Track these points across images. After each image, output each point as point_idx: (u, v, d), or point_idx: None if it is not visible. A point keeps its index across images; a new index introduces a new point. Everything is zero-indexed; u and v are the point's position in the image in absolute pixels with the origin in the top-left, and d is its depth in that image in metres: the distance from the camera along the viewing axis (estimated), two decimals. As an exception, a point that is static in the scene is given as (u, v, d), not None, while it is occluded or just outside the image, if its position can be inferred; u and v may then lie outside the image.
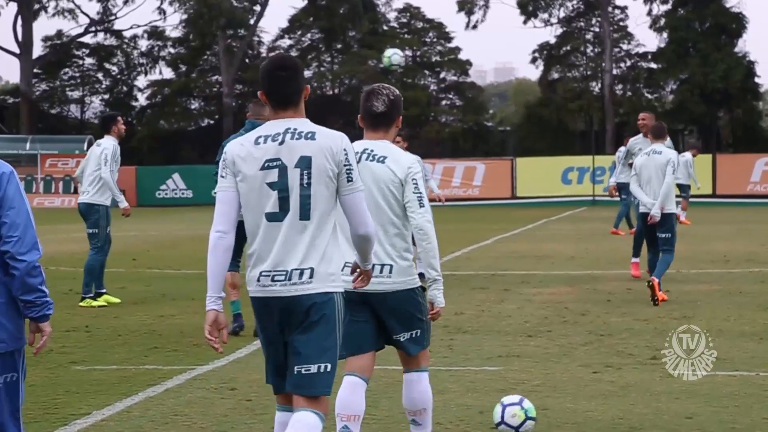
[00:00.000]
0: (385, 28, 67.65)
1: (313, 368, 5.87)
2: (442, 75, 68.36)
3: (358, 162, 6.47)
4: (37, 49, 66.81)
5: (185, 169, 57.29)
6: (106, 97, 69.68)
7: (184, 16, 65.76)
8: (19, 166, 55.29)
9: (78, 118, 70.39)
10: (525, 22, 64.91)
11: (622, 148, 29.33)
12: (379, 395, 9.07)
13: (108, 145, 15.23)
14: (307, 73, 67.66)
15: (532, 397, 8.91)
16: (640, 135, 17.20)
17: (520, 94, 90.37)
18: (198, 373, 10.10)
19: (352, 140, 6.26)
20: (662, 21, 63.31)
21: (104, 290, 15.55)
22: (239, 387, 9.43)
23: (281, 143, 5.88)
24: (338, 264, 5.97)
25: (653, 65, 64.74)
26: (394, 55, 12.77)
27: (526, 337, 12.12)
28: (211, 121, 68.51)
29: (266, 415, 8.36)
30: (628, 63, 66.02)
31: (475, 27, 65.67)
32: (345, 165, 5.91)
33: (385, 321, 6.98)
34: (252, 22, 66.63)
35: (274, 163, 5.86)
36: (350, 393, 6.93)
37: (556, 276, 18.54)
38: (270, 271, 5.86)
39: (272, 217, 5.86)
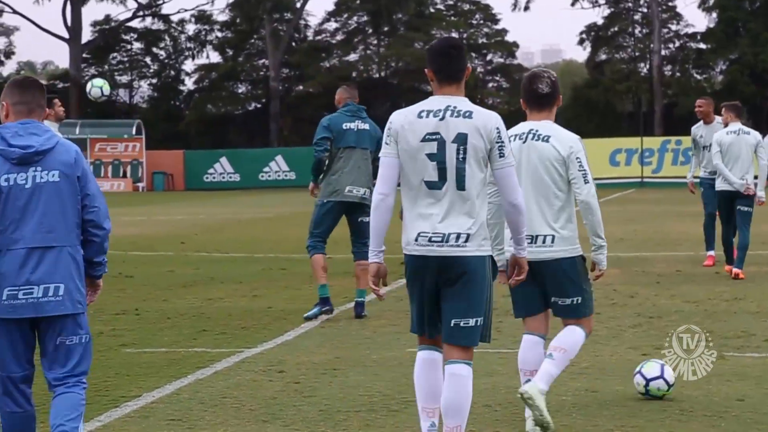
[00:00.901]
0: (431, 10, 67.54)
1: (470, 322, 6.45)
2: (488, 57, 68.20)
3: (524, 142, 7.47)
4: (86, 34, 67.36)
5: (232, 153, 57.49)
6: (154, 81, 70.04)
7: (231, 0, 65.92)
8: (68, 150, 55.58)
9: (127, 102, 70.77)
10: (572, 4, 64.67)
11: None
12: (428, 378, 9.05)
13: None
14: (353, 57, 67.74)
15: (581, 380, 8.89)
16: (700, 122, 16.87)
17: (568, 76, 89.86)
18: (246, 356, 10.12)
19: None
20: (711, 1, 62.79)
21: None
22: (287, 369, 9.44)
23: (441, 119, 6.40)
24: (487, 231, 6.54)
25: (702, 45, 64.28)
26: (98, 87, 12.96)
27: (574, 319, 12.07)
28: (258, 105, 68.71)
29: (314, 397, 8.38)
30: (677, 43, 65.60)
31: (527, 9, 65.43)
32: (497, 142, 6.41)
33: (546, 287, 7.52)
34: (298, 5, 66.74)
35: (434, 137, 6.38)
36: (528, 350, 7.59)
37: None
38: (428, 233, 6.39)
39: (432, 185, 6.38)
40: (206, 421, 7.69)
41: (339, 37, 68.34)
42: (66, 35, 65.83)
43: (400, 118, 6.47)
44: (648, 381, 8.21)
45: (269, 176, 55.73)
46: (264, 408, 8.07)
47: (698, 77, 64.63)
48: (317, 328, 11.71)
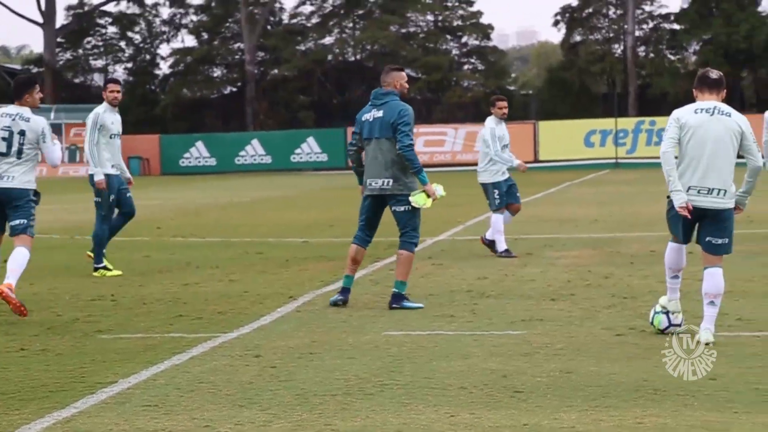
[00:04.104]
0: (406, -8, 67.31)
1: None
2: (464, 39, 68.10)
3: (711, 114, 9.67)
4: (60, 19, 66.98)
5: (208, 137, 57.34)
6: (129, 65, 69.75)
7: (206, -16, 65.71)
8: (43, 135, 55.35)
9: (101, 86, 70.49)
10: (547, -15, 64.60)
11: None
12: (403, 361, 9.07)
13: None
14: (328, 40, 67.59)
15: (555, 361, 8.92)
16: None
17: (542, 58, 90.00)
18: (223, 341, 10.10)
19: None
20: (685, -19, 62.88)
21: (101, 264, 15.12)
22: (264, 354, 9.43)
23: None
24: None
25: (676, 26, 64.39)
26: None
27: (549, 300, 12.09)
28: (234, 89, 68.52)
29: (291, 381, 8.37)
30: (651, 24, 65.68)
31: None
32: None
33: (706, 228, 9.73)
34: (273, -12, 66.43)
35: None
36: (676, 253, 10.03)
37: (579, 239, 18.49)
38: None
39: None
40: (183, 407, 7.68)
41: (314, 20, 68.16)
42: (40, 20, 65.46)
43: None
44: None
45: (245, 160, 55.65)
46: (240, 393, 8.06)
47: (672, 58, 64.73)
48: (293, 312, 11.70)
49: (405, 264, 11.80)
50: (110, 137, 14.95)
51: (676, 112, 9.86)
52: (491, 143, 16.38)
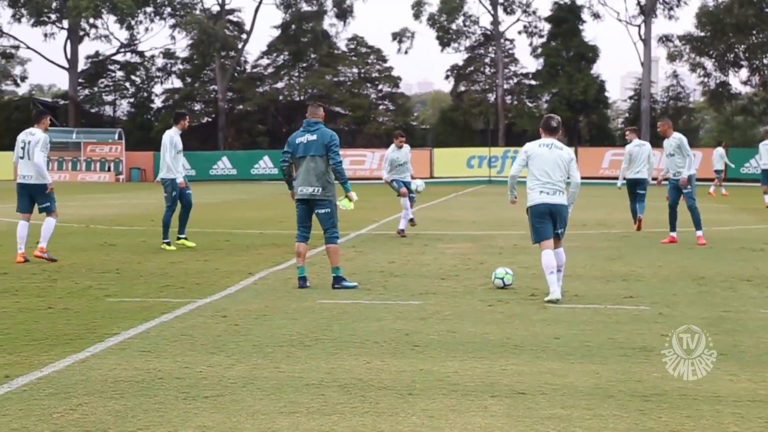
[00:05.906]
0: (338, 51, 67.16)
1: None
2: (379, 87, 68.05)
3: (549, 148, 10.25)
4: (81, 65, 65.82)
5: (190, 155, 56.39)
6: (132, 100, 68.75)
7: (190, 41, 64.99)
8: (67, 150, 54.49)
9: (111, 115, 69.41)
10: (442, 50, 64.87)
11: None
12: (332, 322, 9.05)
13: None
14: (280, 85, 67.18)
15: (444, 324, 8.95)
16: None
17: (437, 102, 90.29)
18: (199, 305, 10.01)
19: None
20: (539, 50, 63.50)
21: (183, 236, 15.97)
22: (229, 315, 9.36)
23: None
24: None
25: (533, 82, 64.90)
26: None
27: (440, 279, 12.12)
28: (209, 119, 67.79)
29: (249, 335, 8.32)
30: (515, 80, 66.12)
31: (407, 52, 65.52)
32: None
33: (556, 221, 10.23)
34: (240, 46, 65.96)
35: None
36: (550, 257, 10.16)
37: (462, 235, 18.58)
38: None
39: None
40: (168, 353, 7.60)
41: (270, 70, 67.65)
42: (66, 65, 64.32)
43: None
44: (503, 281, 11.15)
45: (217, 172, 55.15)
46: (212, 343, 8.00)
47: (530, 104, 65.25)
48: (252, 284, 11.62)
49: (334, 254, 11.42)
50: (176, 152, 15.70)
51: (526, 145, 10.40)
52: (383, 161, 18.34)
